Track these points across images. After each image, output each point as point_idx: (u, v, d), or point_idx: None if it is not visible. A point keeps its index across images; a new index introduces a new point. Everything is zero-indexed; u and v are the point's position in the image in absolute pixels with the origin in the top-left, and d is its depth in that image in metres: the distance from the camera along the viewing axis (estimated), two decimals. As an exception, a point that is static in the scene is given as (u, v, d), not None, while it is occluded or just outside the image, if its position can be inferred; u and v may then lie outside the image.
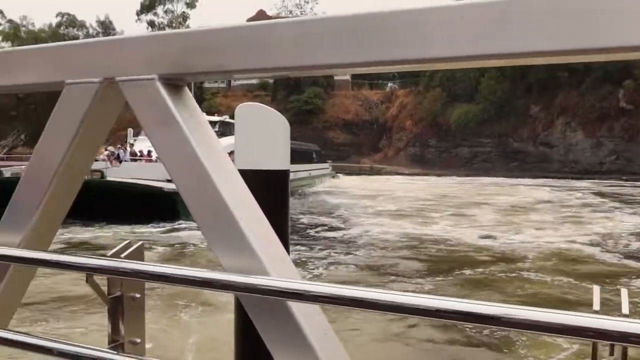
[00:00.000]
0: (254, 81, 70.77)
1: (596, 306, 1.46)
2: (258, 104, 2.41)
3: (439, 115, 60.49)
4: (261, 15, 76.42)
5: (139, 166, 21.62)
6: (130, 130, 26.47)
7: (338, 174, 44.41)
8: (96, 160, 20.96)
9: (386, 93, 70.73)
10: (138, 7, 78.11)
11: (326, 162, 40.31)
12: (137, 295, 1.38)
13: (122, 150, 23.57)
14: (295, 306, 1.02)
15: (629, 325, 0.72)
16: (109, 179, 18.84)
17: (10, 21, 78.48)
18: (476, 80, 57.06)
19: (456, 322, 0.84)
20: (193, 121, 1.11)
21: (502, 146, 56.39)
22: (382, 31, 0.89)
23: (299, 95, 66.81)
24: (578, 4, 0.78)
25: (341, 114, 68.52)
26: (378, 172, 56.27)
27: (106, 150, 23.09)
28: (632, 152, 48.73)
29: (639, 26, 0.74)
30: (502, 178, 47.20)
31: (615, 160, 49.48)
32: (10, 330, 1.24)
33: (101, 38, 1.25)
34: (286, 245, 2.25)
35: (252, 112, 2.33)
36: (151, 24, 78.35)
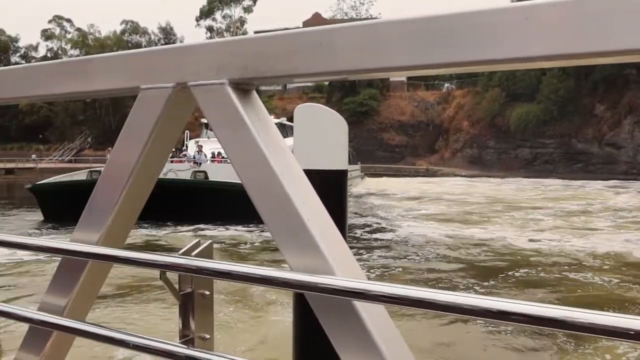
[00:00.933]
0: (309, 83, 71.26)
1: None
2: (316, 104, 2.43)
3: (498, 116, 59.11)
4: (317, 18, 76.90)
5: (222, 167, 21.90)
6: (187, 133, 27.15)
7: (365, 176, 43.84)
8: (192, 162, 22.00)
9: (443, 94, 69.74)
10: (197, 13, 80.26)
11: (357, 164, 40.16)
12: (207, 292, 1.42)
13: (197, 152, 24.17)
14: (361, 306, 1.03)
15: None
16: (211, 179, 19.41)
17: (78, 29, 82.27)
18: (537, 79, 55.41)
19: (522, 324, 0.83)
20: (261, 124, 1.15)
21: (565, 147, 54.51)
22: (444, 33, 0.91)
23: (354, 97, 66.79)
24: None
25: (396, 115, 68.04)
26: (434, 174, 55.51)
27: (200, 151, 23.73)
28: None
29: None
30: (567, 180, 45.56)
31: (688, 161, 46.97)
32: (87, 323, 1.31)
33: (173, 45, 1.30)
34: (346, 241, 2.26)
35: (310, 113, 2.36)
36: (210, 29, 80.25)
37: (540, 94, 55.32)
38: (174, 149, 24.87)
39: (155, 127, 1.26)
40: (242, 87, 1.16)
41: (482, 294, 10.14)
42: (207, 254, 1.40)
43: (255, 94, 1.20)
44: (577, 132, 53.95)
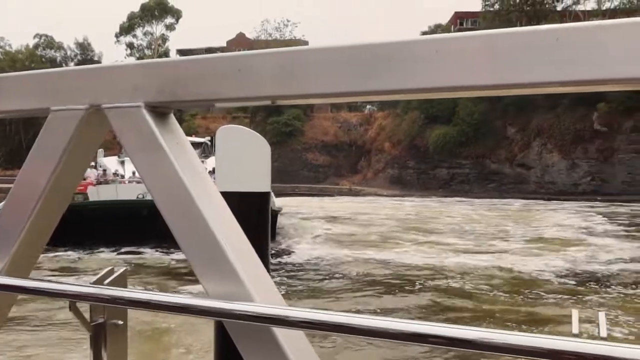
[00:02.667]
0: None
1: (575, 330, 1.48)
2: (239, 126, 2.41)
3: (417, 137, 61.09)
4: (241, 38, 76.89)
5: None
6: (101, 151, 26.20)
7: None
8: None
9: (365, 115, 71.35)
10: (117, 29, 78.12)
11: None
12: (120, 322, 1.36)
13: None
14: (280, 332, 1.02)
15: (607, 348, 0.74)
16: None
17: (-14, 42, 77.85)
18: (454, 102, 57.82)
19: (439, 346, 0.84)
20: (178, 148, 1.12)
21: (480, 167, 57.05)
22: (363, 62, 0.92)
23: (278, 117, 67.01)
24: (544, 39, 0.81)
25: (320, 136, 68.83)
26: (357, 194, 56.42)
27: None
28: (606, 173, 49.67)
29: (611, 60, 0.77)
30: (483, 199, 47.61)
31: (591, 181, 50.35)
32: None
33: (87, 66, 1.27)
34: (267, 268, 2.23)
35: (233, 135, 2.34)
36: (130, 45, 78.31)
37: (457, 117, 57.76)
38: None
39: (66, 150, 1.21)
40: (159, 111, 1.13)
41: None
42: (120, 282, 1.34)
43: (172, 118, 1.17)
44: (491, 153, 56.64)
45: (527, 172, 54.47)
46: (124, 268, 1.39)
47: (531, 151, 54.48)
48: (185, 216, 1.08)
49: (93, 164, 25.19)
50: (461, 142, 57.41)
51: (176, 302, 1.03)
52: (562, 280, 13.29)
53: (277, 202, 22.32)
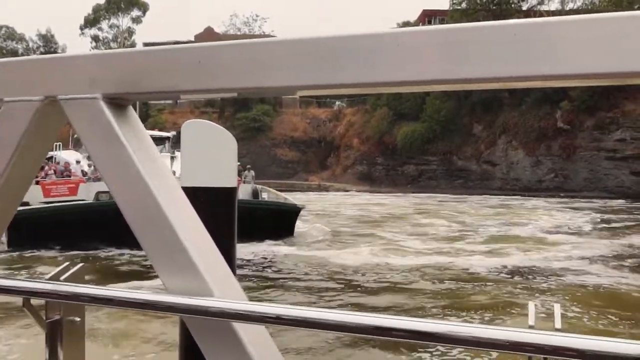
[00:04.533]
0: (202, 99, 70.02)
1: (531, 321, 1.51)
2: (204, 120, 2.38)
3: (386, 134, 61.51)
4: (209, 32, 76.10)
5: None
6: (59, 144, 25.14)
7: None
8: None
9: (334, 111, 71.49)
10: (82, 21, 76.44)
11: None
12: (77, 319, 1.32)
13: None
14: (241, 327, 1.01)
15: (562, 339, 0.77)
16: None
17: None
18: (422, 99, 58.42)
19: (399, 339, 0.85)
20: (137, 141, 1.10)
21: (447, 164, 57.78)
22: (329, 55, 0.91)
23: (246, 113, 66.66)
24: (502, 34, 0.82)
25: (289, 132, 68.74)
26: (326, 190, 56.55)
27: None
28: (569, 170, 50.85)
29: (571, 55, 0.79)
30: (448, 195, 48.26)
31: (554, 178, 51.48)
32: None
33: (43, 55, 1.22)
34: (232, 264, 2.21)
35: (198, 129, 2.31)
36: (95, 38, 76.76)
37: (425, 114, 58.36)
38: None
39: (19, 143, 1.16)
40: (117, 102, 1.10)
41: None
42: (78, 278, 1.31)
43: (131, 110, 1.14)
44: (458, 150, 57.41)
45: (492, 168, 55.40)
46: (81, 264, 1.36)
47: (497, 148, 55.41)
48: (144, 211, 1.05)
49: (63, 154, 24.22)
50: (429, 139, 58.04)
51: (134, 298, 1.01)
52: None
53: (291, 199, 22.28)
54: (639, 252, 17.28)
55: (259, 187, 22.05)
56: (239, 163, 22.04)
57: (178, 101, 70.60)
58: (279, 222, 19.13)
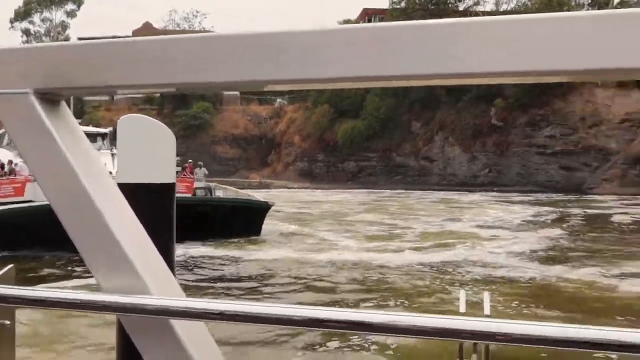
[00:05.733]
0: (139, 94, 68.30)
1: (462, 309, 1.56)
2: (141, 115, 2.33)
3: (327, 131, 61.87)
4: (147, 27, 74.23)
5: None
6: None
7: None
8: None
9: (275, 108, 71.29)
10: (12, 15, 72.88)
11: None
12: (7, 322, 1.27)
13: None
14: (179, 325, 0.99)
15: (491, 324, 0.80)
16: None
17: None
18: (362, 97, 59.11)
19: (336, 330, 0.86)
20: (70, 137, 1.06)
21: (387, 160, 58.75)
22: (268, 50, 0.91)
23: (186, 110, 65.53)
24: (438, 33, 0.83)
25: (230, 129, 68.04)
26: (267, 187, 56.35)
27: None
28: (502, 165, 52.76)
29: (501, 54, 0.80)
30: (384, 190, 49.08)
31: (488, 173, 53.29)
32: None
33: None
34: (171, 261, 2.18)
35: (135, 124, 2.25)
36: (26, 32, 73.38)
37: (365, 111, 59.09)
38: None
39: None
40: (49, 98, 1.06)
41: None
42: (7, 279, 1.25)
43: (64, 106, 1.10)
44: (397, 147, 58.49)
45: (430, 164, 56.77)
46: (11, 265, 1.30)
47: (434, 145, 56.81)
48: (77, 208, 1.02)
49: None
50: (369, 136, 58.80)
51: (68, 299, 0.98)
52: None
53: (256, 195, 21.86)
54: (565, 245, 18.14)
55: (212, 184, 21.62)
56: (190, 161, 21.46)
57: (115, 97, 68.57)
58: (247, 220, 18.63)
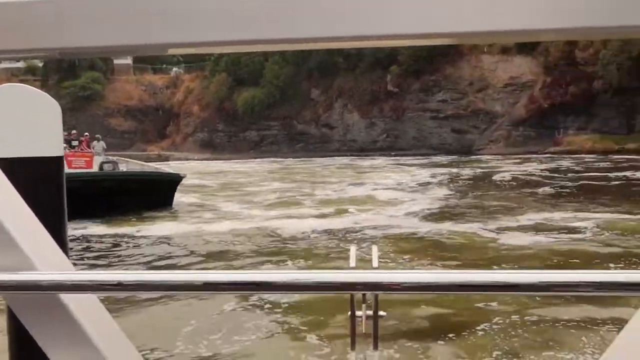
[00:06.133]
0: (20, 64, 63.47)
1: (352, 263, 1.63)
2: (21, 84, 2.17)
3: (226, 100, 60.86)
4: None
5: None
6: None
7: None
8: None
9: (171, 78, 68.87)
10: None
11: None
12: None
13: None
14: (69, 299, 0.96)
15: (379, 275, 0.84)
16: None
17: None
18: (261, 64, 58.49)
19: (232, 292, 0.88)
20: None
21: (288, 129, 58.92)
22: (174, 12, 0.84)
23: (74, 81, 61.72)
24: None
25: (123, 100, 65.03)
26: (167, 159, 54.77)
27: None
28: (399, 130, 54.66)
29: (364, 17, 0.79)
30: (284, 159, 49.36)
31: (386, 138, 55.03)
32: None
33: None
34: (62, 238, 2.08)
35: (14, 94, 2.10)
36: None
37: (264, 79, 58.60)
38: None
39: None
40: None
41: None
42: None
43: None
44: (298, 114, 58.74)
45: (330, 131, 57.63)
46: None
47: (334, 112, 57.63)
48: None
49: None
50: (269, 105, 58.54)
51: None
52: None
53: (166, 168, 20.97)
54: (453, 203, 19.28)
55: (113, 158, 20.58)
56: (86, 134, 20.16)
57: (-10, 68, 63.10)
58: (159, 193, 18.18)
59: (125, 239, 13.76)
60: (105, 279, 0.88)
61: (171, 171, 20.34)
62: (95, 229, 14.92)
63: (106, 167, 18.81)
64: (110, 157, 20.54)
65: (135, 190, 17.17)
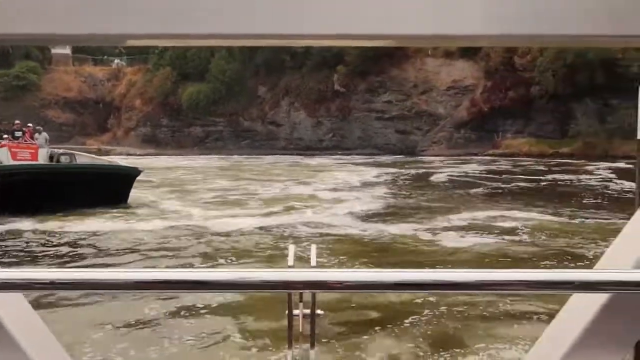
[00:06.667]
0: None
1: (290, 262, 1.64)
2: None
3: (171, 95, 59.67)
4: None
5: None
6: None
7: None
8: None
9: (113, 70, 66.92)
10: None
11: None
12: None
13: None
14: None
15: (318, 274, 0.85)
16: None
17: None
18: (207, 59, 57.64)
19: (168, 290, 0.85)
20: None
21: (234, 125, 58.35)
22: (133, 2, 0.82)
23: (7, 70, 59.00)
24: None
25: (61, 92, 62.70)
26: (107, 154, 53.14)
27: None
28: (345, 130, 55.07)
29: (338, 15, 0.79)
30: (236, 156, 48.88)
31: (332, 137, 55.33)
32: None
33: None
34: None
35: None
36: None
37: (210, 74, 57.79)
38: None
39: None
40: None
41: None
42: None
43: None
44: (244, 111, 58.25)
45: (277, 129, 57.46)
46: None
47: (280, 110, 57.48)
48: None
49: None
50: (215, 100, 57.81)
51: None
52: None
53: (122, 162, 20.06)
54: (392, 203, 19.63)
55: (58, 151, 19.60)
56: (30, 125, 19.31)
57: None
58: (115, 187, 17.50)
59: (40, 235, 13.28)
60: (32, 277, 0.84)
61: (127, 165, 19.69)
62: (19, 225, 14.28)
63: (63, 159, 18.04)
64: (67, 150, 19.75)
65: (91, 183, 16.54)
